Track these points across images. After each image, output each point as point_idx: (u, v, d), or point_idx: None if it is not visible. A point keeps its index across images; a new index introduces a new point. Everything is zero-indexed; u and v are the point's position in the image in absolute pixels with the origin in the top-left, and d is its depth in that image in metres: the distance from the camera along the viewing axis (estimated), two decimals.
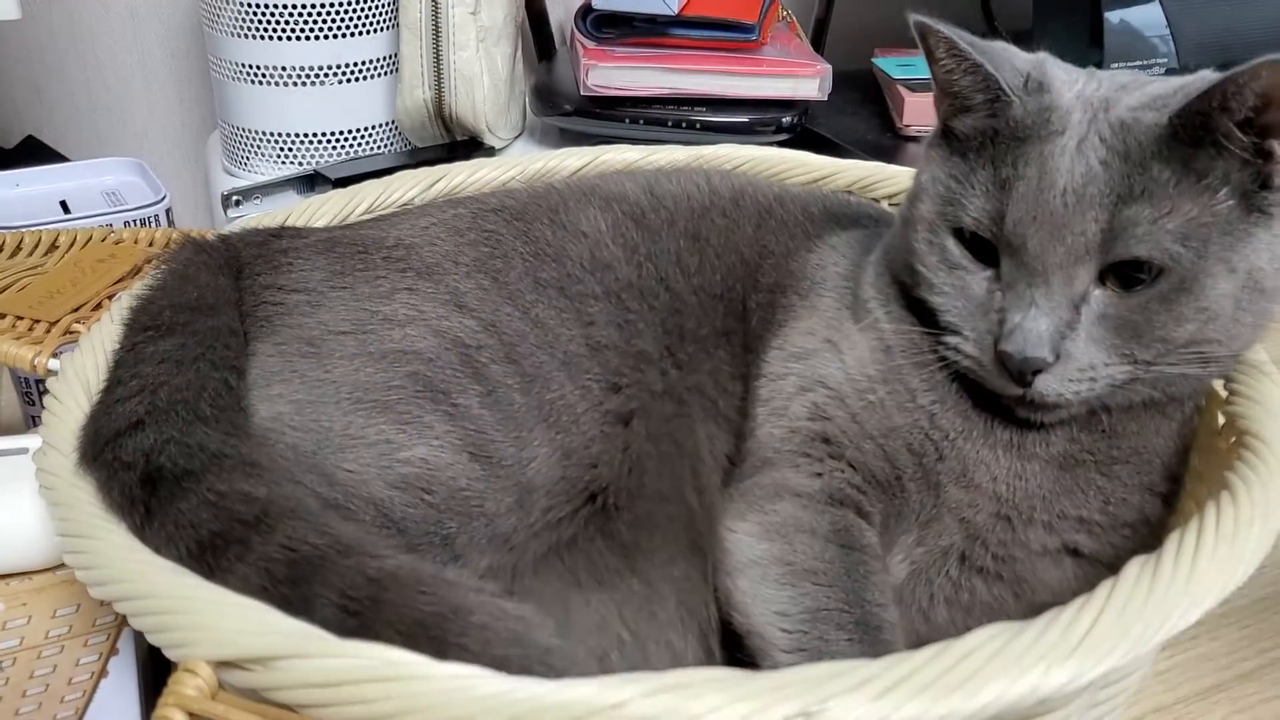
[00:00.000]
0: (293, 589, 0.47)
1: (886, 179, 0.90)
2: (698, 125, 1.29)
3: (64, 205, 1.06)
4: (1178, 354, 0.58)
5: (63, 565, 0.67)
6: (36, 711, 0.59)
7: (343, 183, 1.03)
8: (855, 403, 0.65)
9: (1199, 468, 0.65)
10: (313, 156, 1.29)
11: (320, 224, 0.81)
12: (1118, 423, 0.63)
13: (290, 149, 1.29)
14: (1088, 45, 1.38)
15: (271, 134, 1.28)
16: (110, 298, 0.79)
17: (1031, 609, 0.54)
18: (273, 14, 1.21)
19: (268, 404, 0.61)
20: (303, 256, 0.69)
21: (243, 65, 1.25)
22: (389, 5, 1.26)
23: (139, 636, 0.64)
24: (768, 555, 0.62)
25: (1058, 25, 1.44)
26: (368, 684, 0.41)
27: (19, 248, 0.89)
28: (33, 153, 1.38)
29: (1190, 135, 0.56)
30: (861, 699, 0.41)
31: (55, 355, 0.74)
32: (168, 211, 1.03)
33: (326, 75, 1.25)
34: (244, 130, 1.30)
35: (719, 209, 0.76)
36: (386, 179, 0.87)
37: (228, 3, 1.22)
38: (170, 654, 0.45)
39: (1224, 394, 0.64)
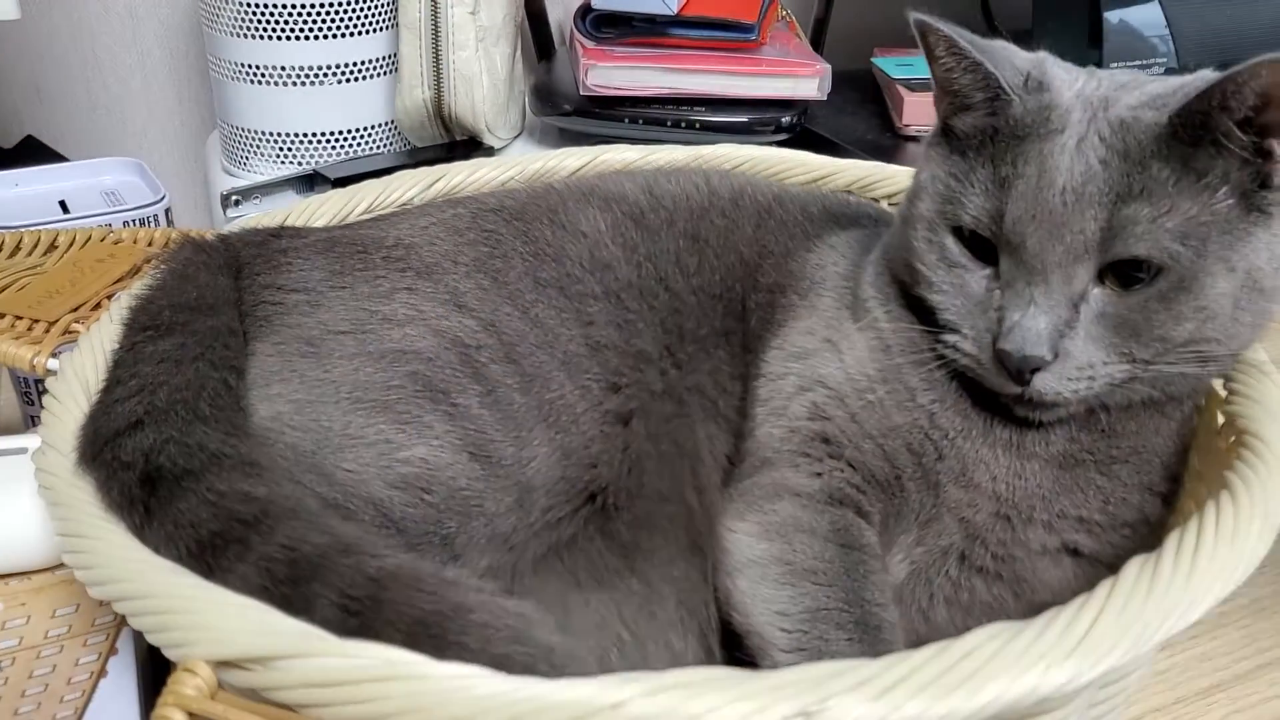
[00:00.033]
0: (293, 588, 0.47)
1: (886, 179, 0.90)
2: (697, 125, 1.29)
3: (63, 205, 1.06)
4: (1176, 353, 0.58)
5: (62, 565, 0.67)
6: (36, 711, 0.59)
7: (342, 182, 1.03)
8: (854, 402, 0.65)
9: (1198, 467, 0.65)
10: (312, 156, 1.29)
11: (319, 224, 0.81)
12: (1117, 422, 0.63)
13: (289, 149, 1.29)
14: (1087, 45, 1.38)
15: (271, 134, 1.28)
16: (109, 297, 0.79)
17: (1031, 608, 0.54)
18: (272, 14, 1.21)
19: (267, 404, 0.61)
20: (302, 256, 0.69)
21: (242, 65, 1.25)
22: (388, 5, 1.26)
23: (138, 636, 0.64)
24: (767, 555, 0.62)
25: (1057, 25, 1.44)
26: (367, 683, 0.41)
27: (18, 247, 0.89)
28: (32, 152, 1.38)
29: (1190, 134, 0.56)
30: (861, 698, 0.41)
31: (54, 355, 0.74)
32: (167, 211, 1.03)
33: (326, 75, 1.25)
34: (243, 130, 1.30)
35: (718, 209, 0.76)
36: (386, 179, 0.87)
37: (227, 3, 1.22)
38: (169, 654, 0.45)
39: (1223, 393, 0.64)
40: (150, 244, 0.90)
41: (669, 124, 1.29)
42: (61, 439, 0.58)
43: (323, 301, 0.65)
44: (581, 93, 1.29)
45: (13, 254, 0.88)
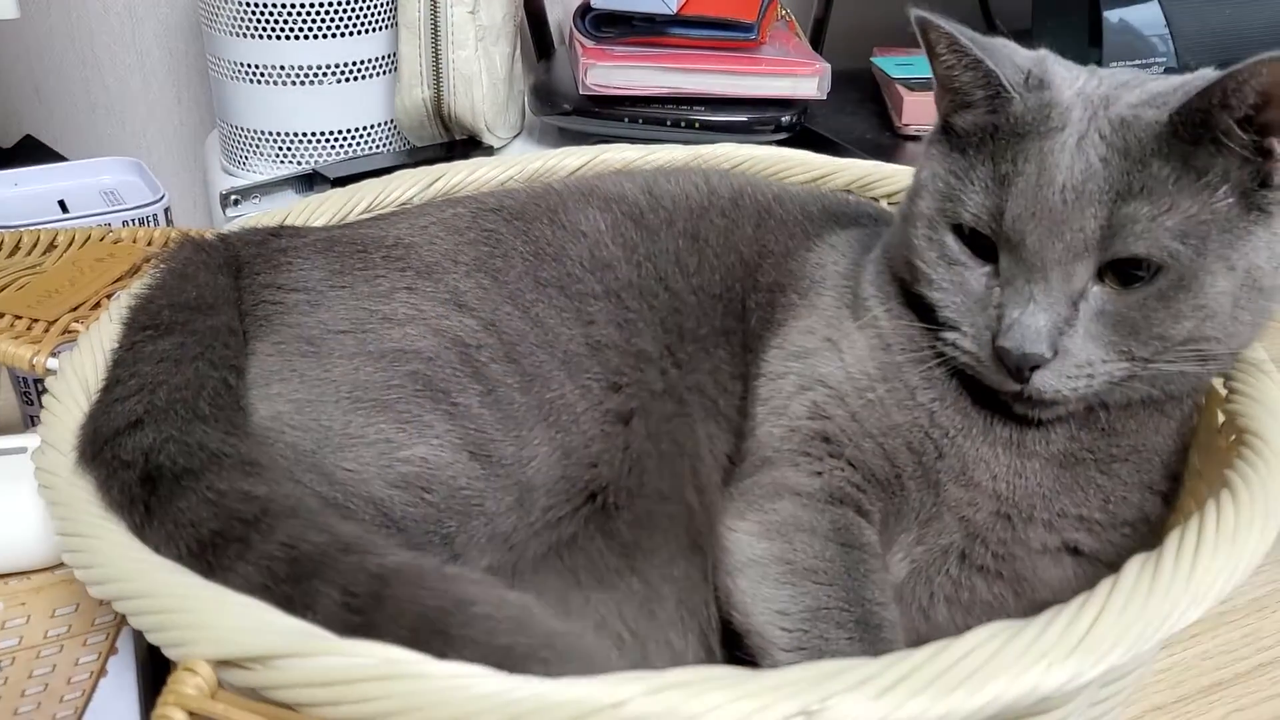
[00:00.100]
0: (294, 586, 0.47)
1: (885, 178, 0.90)
2: (696, 124, 1.29)
3: (62, 205, 1.06)
4: (1176, 351, 0.58)
5: (62, 565, 0.67)
6: (36, 711, 0.59)
7: (341, 182, 1.03)
8: (855, 401, 0.65)
9: (1199, 466, 0.65)
10: (311, 156, 1.29)
11: (319, 223, 0.81)
12: (1117, 421, 0.63)
13: (289, 148, 1.29)
14: (1087, 44, 1.38)
15: (270, 133, 1.28)
16: (109, 297, 0.79)
17: (1032, 607, 0.54)
18: (271, 13, 1.21)
19: (267, 403, 0.61)
20: (302, 256, 0.69)
21: (241, 65, 1.25)
22: (388, 4, 1.26)
23: (138, 636, 0.63)
24: (768, 554, 0.62)
25: (1057, 24, 1.44)
26: (367, 682, 0.41)
27: (17, 247, 0.89)
28: (31, 152, 1.38)
29: (1190, 132, 0.56)
30: (862, 697, 0.41)
31: (54, 354, 0.74)
32: (166, 211, 1.02)
33: (325, 75, 1.25)
34: (242, 129, 1.30)
35: (718, 208, 0.76)
36: (385, 178, 0.87)
37: (226, 2, 1.22)
38: (170, 653, 0.45)
39: (1223, 392, 0.64)
40: (150, 243, 0.90)
41: (668, 123, 1.29)
42: (61, 438, 0.58)
43: (322, 301, 0.65)
44: (581, 92, 1.29)
45: (12, 253, 0.88)
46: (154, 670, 0.64)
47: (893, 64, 1.49)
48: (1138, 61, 1.37)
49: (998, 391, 0.61)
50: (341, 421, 0.59)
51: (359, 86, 1.28)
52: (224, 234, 0.73)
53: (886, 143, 1.39)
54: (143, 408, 0.57)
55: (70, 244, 0.89)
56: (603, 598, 0.62)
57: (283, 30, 1.22)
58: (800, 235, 0.76)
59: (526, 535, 0.61)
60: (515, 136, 1.39)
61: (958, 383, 0.63)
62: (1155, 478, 0.64)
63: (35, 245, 0.89)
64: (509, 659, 0.43)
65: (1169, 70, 1.36)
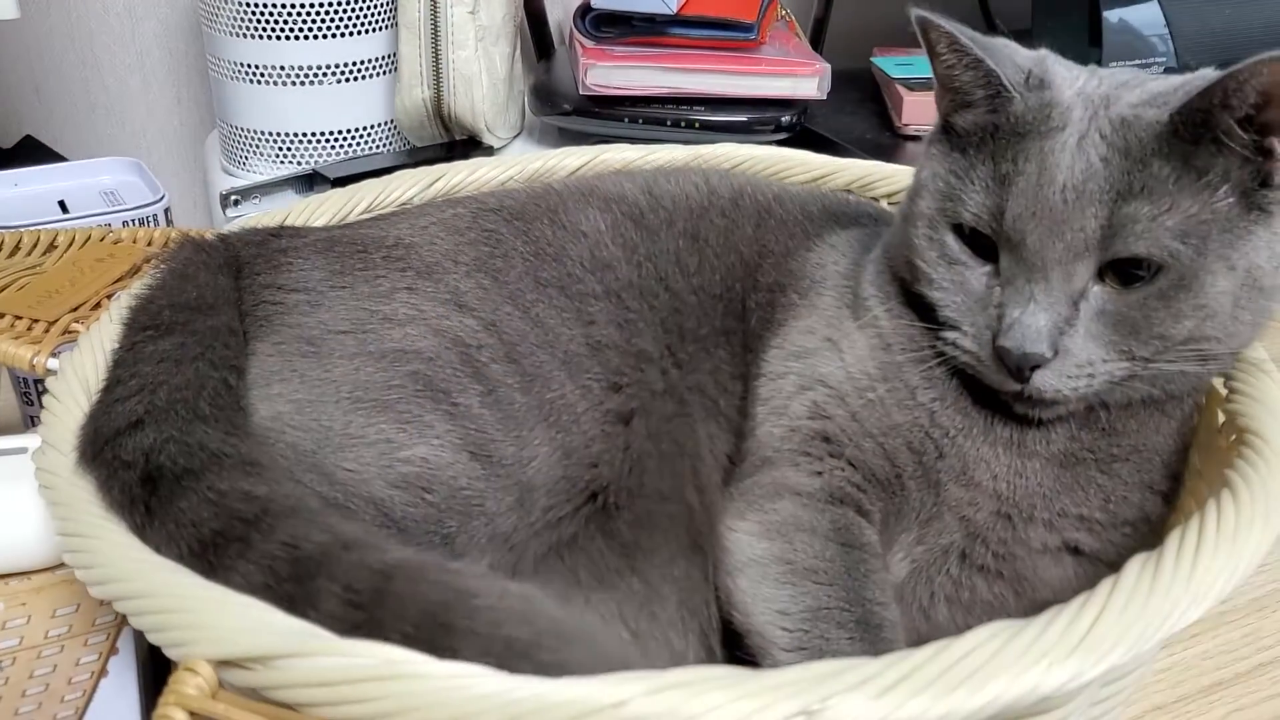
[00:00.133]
0: (297, 585, 0.47)
1: (885, 178, 0.90)
2: (696, 124, 1.29)
3: (62, 205, 1.06)
4: (1176, 351, 0.58)
5: (62, 565, 0.67)
6: (36, 711, 0.59)
7: (341, 182, 1.03)
8: (855, 401, 0.65)
9: (1199, 465, 0.65)
10: (311, 156, 1.29)
11: (319, 223, 0.81)
12: (1117, 420, 0.63)
13: (289, 148, 1.29)
14: (1086, 44, 1.38)
15: (270, 133, 1.28)
16: (109, 297, 0.79)
17: (1032, 607, 0.54)
18: (271, 13, 1.21)
19: (267, 403, 0.61)
20: (302, 256, 0.69)
21: (241, 65, 1.25)
22: (388, 5, 1.26)
23: (139, 636, 0.63)
24: (768, 554, 0.62)
25: (1056, 24, 1.44)
26: (368, 682, 0.41)
27: (17, 247, 0.89)
28: (31, 152, 1.38)
29: (1191, 132, 0.56)
30: (862, 697, 0.41)
31: (54, 355, 0.74)
32: (166, 211, 1.02)
33: (325, 75, 1.25)
34: (242, 130, 1.30)
35: (718, 208, 0.76)
36: (385, 178, 0.87)
37: (226, 2, 1.22)
38: (170, 653, 0.45)
39: (1224, 392, 0.64)
40: (150, 244, 0.90)
41: (668, 123, 1.29)
42: (62, 438, 0.58)
43: (323, 301, 0.65)
44: (581, 92, 1.29)
45: (12, 254, 0.88)
46: (155, 670, 0.64)
47: (893, 64, 1.49)
48: (1137, 61, 1.37)
49: (998, 391, 0.61)
50: (342, 422, 0.59)
51: (359, 87, 1.28)
52: (224, 234, 0.73)
53: (886, 143, 1.39)
54: (143, 408, 0.57)
55: (70, 244, 0.89)
56: (603, 598, 0.62)
57: (283, 30, 1.22)
58: (800, 235, 0.76)
59: (527, 535, 0.61)
60: (515, 137, 1.39)
61: (958, 382, 0.63)
62: (1156, 477, 0.64)
63: (35, 245, 0.89)
64: (513, 650, 0.42)
65: (1169, 70, 1.36)
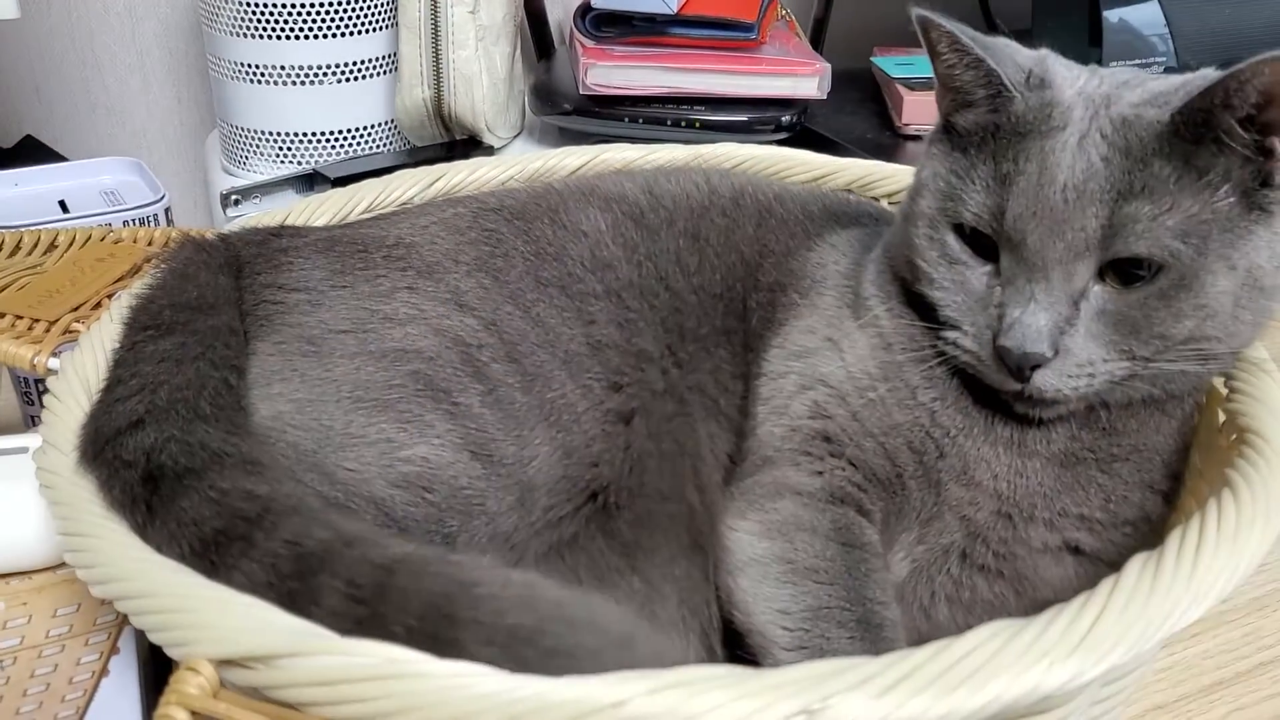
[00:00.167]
0: (300, 582, 0.47)
1: (886, 177, 0.90)
2: (697, 124, 1.29)
3: (63, 205, 1.06)
4: (1176, 351, 0.58)
5: (63, 564, 0.67)
6: (38, 710, 0.59)
7: (342, 182, 1.03)
8: (856, 400, 0.65)
9: (1199, 465, 0.65)
10: (312, 156, 1.29)
11: (319, 223, 0.81)
12: (1118, 420, 0.63)
13: (289, 148, 1.29)
14: (1087, 44, 1.38)
15: (270, 133, 1.28)
16: (110, 297, 0.79)
17: (1033, 606, 0.54)
18: (271, 13, 1.21)
19: (268, 403, 0.61)
20: (303, 255, 0.69)
21: (241, 64, 1.25)
22: (388, 4, 1.26)
23: (140, 635, 0.63)
24: (769, 554, 0.62)
25: (1057, 24, 1.44)
26: (369, 682, 0.41)
27: (18, 247, 0.89)
28: (31, 152, 1.38)
29: (1192, 132, 0.56)
30: (863, 697, 0.41)
31: (55, 354, 0.74)
32: (167, 211, 1.02)
33: (325, 74, 1.25)
34: (243, 129, 1.30)
35: (719, 208, 0.76)
36: (386, 178, 0.87)
37: (226, 2, 1.22)
38: (172, 652, 0.45)
39: (1224, 391, 0.64)
40: (150, 243, 0.90)
41: (669, 123, 1.29)
42: (63, 438, 0.58)
43: (323, 301, 0.65)
44: (581, 92, 1.29)
45: (12, 254, 0.88)
46: (156, 670, 0.64)
47: (893, 64, 1.49)
48: (1137, 61, 1.37)
49: (999, 391, 0.61)
50: (343, 421, 0.59)
51: (359, 86, 1.28)
52: (225, 234, 0.73)
53: (887, 142, 1.39)
54: (144, 407, 0.57)
55: (71, 244, 0.89)
56: (604, 597, 0.62)
57: (283, 30, 1.22)
58: (801, 234, 0.76)
59: (528, 535, 0.61)
60: (515, 136, 1.39)
61: (959, 382, 0.64)
62: (1156, 477, 0.64)
63: (36, 245, 0.89)
64: (518, 638, 0.42)
65: (1169, 70, 1.36)
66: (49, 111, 1.49)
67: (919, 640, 0.46)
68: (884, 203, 0.89)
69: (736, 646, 0.62)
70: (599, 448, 0.64)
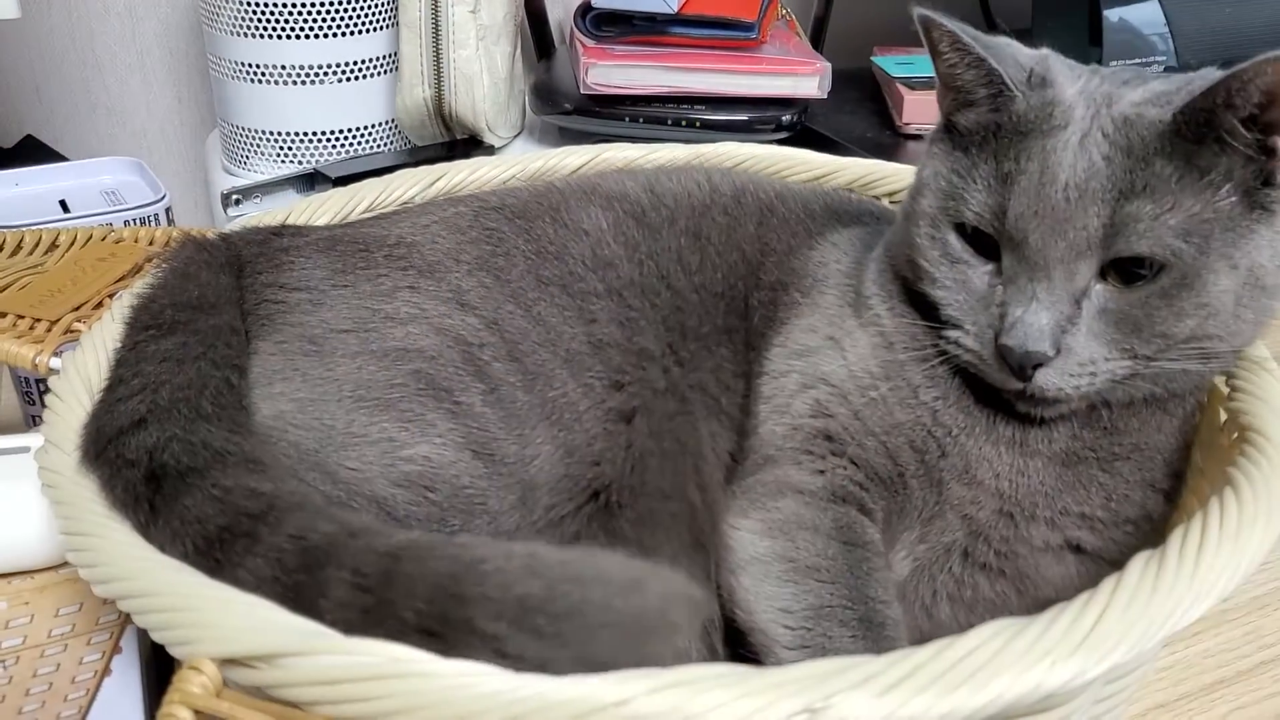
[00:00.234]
0: (307, 575, 0.46)
1: (886, 177, 0.90)
2: (697, 123, 1.29)
3: (63, 204, 1.06)
4: (1178, 349, 0.58)
5: (65, 564, 0.67)
6: (40, 710, 0.59)
7: (343, 181, 1.03)
8: (857, 399, 0.65)
9: (1201, 464, 0.65)
10: (312, 155, 1.29)
11: (321, 222, 0.81)
12: (1119, 419, 0.63)
13: (290, 148, 1.29)
14: (1087, 43, 1.38)
15: (271, 133, 1.28)
16: (111, 296, 0.79)
17: (1034, 605, 0.54)
18: (272, 13, 1.21)
19: (269, 402, 0.61)
20: (304, 255, 0.69)
21: (242, 64, 1.25)
22: (388, 4, 1.26)
23: (143, 634, 0.64)
24: (770, 552, 0.62)
25: (1057, 23, 1.44)
26: (372, 681, 0.41)
27: (19, 247, 0.89)
28: (32, 152, 1.38)
29: (1193, 131, 0.56)
30: (865, 695, 0.41)
31: (56, 354, 0.74)
32: (167, 210, 1.02)
33: (326, 74, 1.25)
34: (243, 129, 1.30)
35: (720, 207, 0.76)
36: (386, 178, 0.87)
37: (227, 2, 1.22)
38: (174, 652, 0.45)
39: (1226, 390, 0.64)
40: (151, 243, 0.90)
41: (669, 122, 1.29)
42: (64, 437, 0.58)
43: (325, 300, 0.65)
44: (582, 91, 1.29)
45: (13, 253, 0.88)
46: (158, 669, 0.64)
47: (893, 63, 1.49)
48: (1138, 60, 1.37)
49: (1000, 390, 0.61)
50: (344, 420, 0.59)
51: (360, 86, 1.27)
52: (225, 233, 0.73)
53: (887, 142, 1.39)
54: (146, 407, 0.57)
55: (72, 244, 0.89)
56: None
57: (284, 30, 1.22)
58: (803, 233, 0.76)
59: (529, 534, 0.61)
60: (516, 136, 1.39)
61: (960, 381, 0.64)
62: (1158, 475, 0.64)
63: (37, 245, 0.89)
64: (528, 606, 0.42)
65: (1169, 69, 1.36)
66: (49, 111, 1.49)
67: (921, 639, 0.46)
68: (885, 202, 0.89)
69: (738, 645, 0.62)
70: (600, 446, 0.64)
